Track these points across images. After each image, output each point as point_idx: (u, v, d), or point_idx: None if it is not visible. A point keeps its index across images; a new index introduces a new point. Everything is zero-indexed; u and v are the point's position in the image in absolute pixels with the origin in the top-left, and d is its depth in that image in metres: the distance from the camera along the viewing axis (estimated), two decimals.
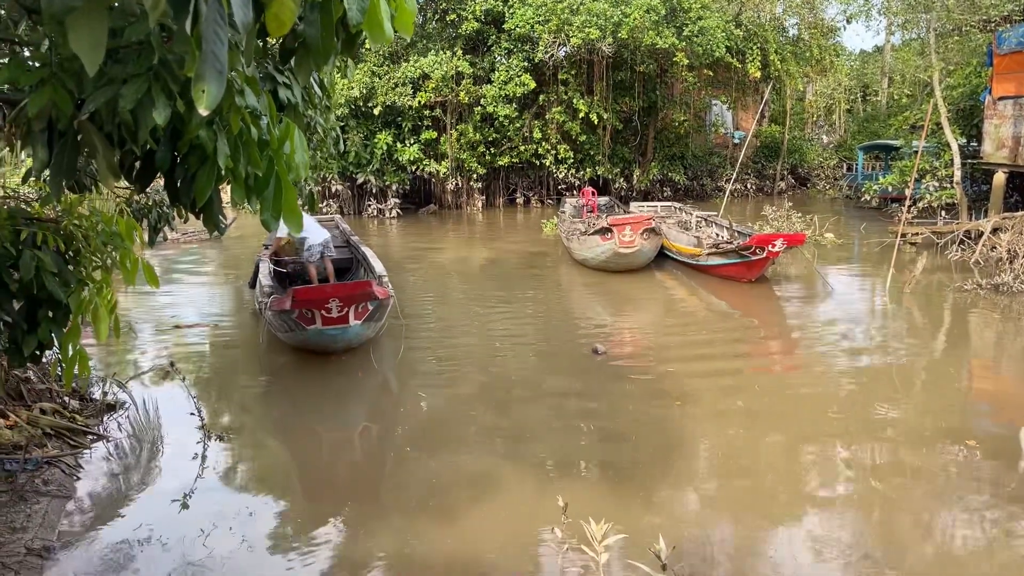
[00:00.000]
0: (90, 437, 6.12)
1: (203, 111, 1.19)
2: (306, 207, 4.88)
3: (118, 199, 4.70)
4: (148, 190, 4.37)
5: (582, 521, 4.01)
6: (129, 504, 5.20)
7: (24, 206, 3.06)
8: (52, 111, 1.97)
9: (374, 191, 24.20)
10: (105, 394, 6.91)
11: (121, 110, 1.73)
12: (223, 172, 2.16)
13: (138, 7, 1.16)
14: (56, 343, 2.68)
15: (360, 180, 23.84)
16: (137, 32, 1.50)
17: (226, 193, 3.53)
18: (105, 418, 6.55)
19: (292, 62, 2.33)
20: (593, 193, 18.57)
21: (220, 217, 2.41)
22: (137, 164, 2.44)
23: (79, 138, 2.04)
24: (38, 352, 2.65)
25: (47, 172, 1.98)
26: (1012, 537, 4.62)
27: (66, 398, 6.51)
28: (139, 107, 1.75)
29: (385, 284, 9.05)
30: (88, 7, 1.01)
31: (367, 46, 2.36)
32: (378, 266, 10.56)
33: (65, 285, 2.55)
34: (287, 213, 2.43)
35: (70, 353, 2.67)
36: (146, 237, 4.46)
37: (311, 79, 3.65)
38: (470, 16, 22.78)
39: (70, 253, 2.66)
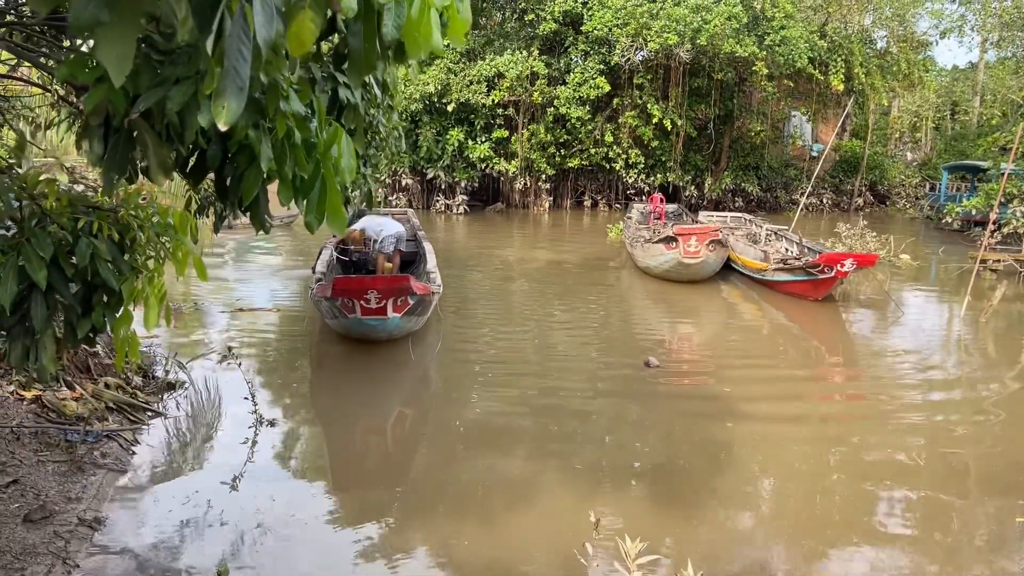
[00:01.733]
0: (149, 414, 6.33)
1: (223, 127, 1.21)
2: (365, 204, 4.96)
3: (188, 188, 4.85)
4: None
5: (617, 538, 3.96)
6: (180, 482, 5.36)
7: (90, 194, 3.18)
8: (108, 108, 2.03)
9: (443, 187, 24.44)
10: (167, 373, 7.14)
11: (168, 111, 1.77)
12: (268, 173, 2.20)
13: (173, 16, 1.18)
14: (109, 328, 2.77)
15: (430, 175, 24.11)
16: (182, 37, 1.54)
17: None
18: (165, 396, 6.77)
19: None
20: (661, 200, 18.36)
21: (266, 216, 2.45)
22: (192, 161, 2.51)
23: (133, 135, 2.10)
24: (91, 335, 2.75)
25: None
26: None
27: (130, 374, 6.75)
28: (185, 109, 1.80)
29: (430, 280, 9.23)
30: (116, 21, 1.04)
31: (426, 55, 2.37)
32: (431, 262, 10.74)
33: (119, 273, 2.64)
34: (331, 215, 2.45)
35: (121, 338, 2.77)
36: (209, 224, 4.59)
37: (371, 80, 3.69)
38: (548, 17, 22.78)
39: (127, 242, 2.75)
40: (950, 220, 20.90)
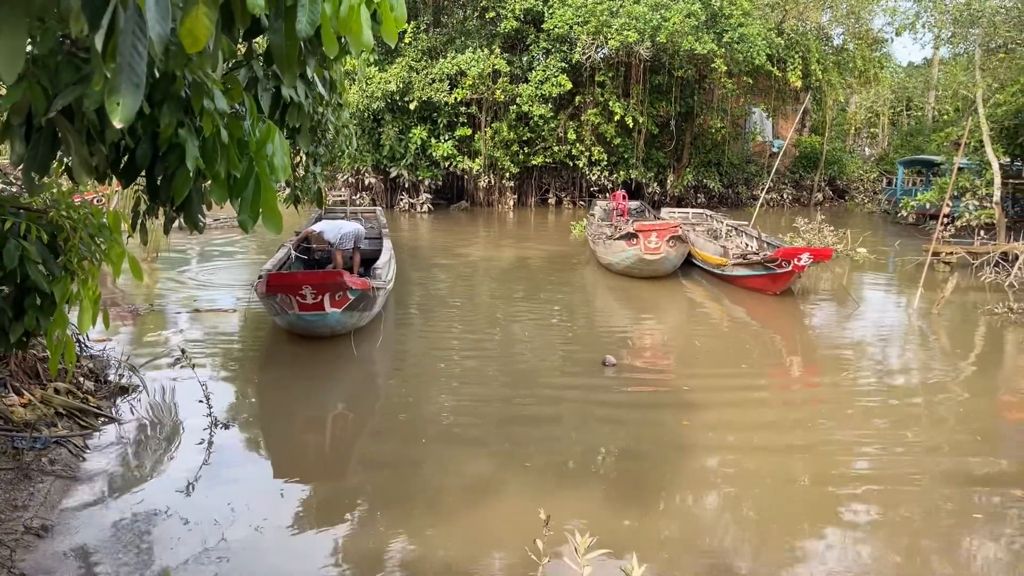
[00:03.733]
0: (101, 419, 6.22)
1: (118, 124, 1.19)
2: (315, 203, 4.92)
3: (136, 189, 4.77)
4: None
5: (567, 533, 3.98)
6: (133, 487, 5.27)
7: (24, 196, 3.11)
8: (31, 106, 1.99)
9: (407, 185, 24.36)
10: (120, 377, 7.02)
11: (86, 109, 1.74)
12: (197, 172, 2.17)
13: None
14: (43, 331, 2.72)
15: (393, 174, 24.02)
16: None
17: None
18: (118, 401, 6.66)
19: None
20: (624, 197, 18.47)
21: (200, 216, 2.42)
22: (124, 160, 2.47)
23: (57, 134, 2.06)
24: (24, 339, 2.69)
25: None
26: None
27: (80, 379, 6.63)
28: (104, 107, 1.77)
29: (376, 276, 9.35)
30: (4, 19, 1.01)
31: (359, 53, 2.35)
32: (382, 259, 10.80)
33: (50, 275, 2.59)
34: (266, 214, 2.43)
35: (55, 341, 2.72)
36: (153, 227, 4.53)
37: (318, 78, 3.67)
38: (509, 14, 22.80)
39: (60, 243, 2.70)
40: (906, 214, 21.31)
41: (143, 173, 2.44)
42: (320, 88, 3.75)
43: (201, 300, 10.95)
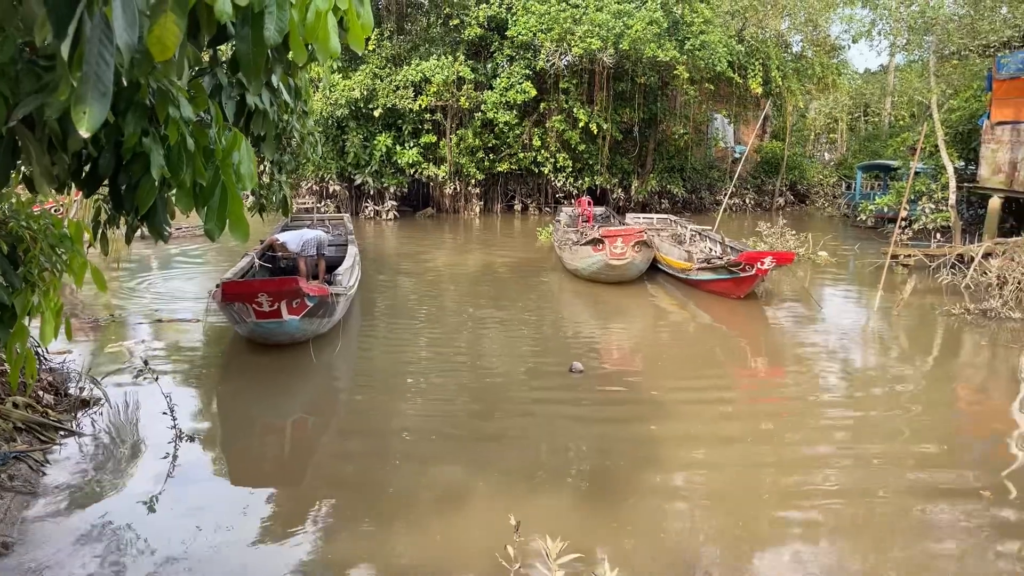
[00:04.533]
0: (61, 433, 6.10)
1: (84, 133, 1.18)
2: (280, 211, 4.88)
3: (98, 199, 4.69)
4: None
5: (539, 538, 3.99)
6: (95, 502, 5.17)
7: None
8: None
9: (372, 193, 24.24)
10: (81, 390, 6.88)
11: (47, 118, 1.71)
12: (162, 181, 2.15)
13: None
14: (2, 344, 2.66)
15: (358, 181, 23.89)
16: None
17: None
18: (79, 414, 6.53)
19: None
20: (589, 203, 18.58)
21: (164, 225, 2.39)
22: (86, 169, 2.43)
23: (17, 143, 2.02)
24: None
25: None
26: (993, 559, 4.60)
27: (40, 392, 6.49)
28: (67, 116, 1.74)
29: (335, 282, 9.36)
30: None
31: (326, 60, 2.35)
32: (343, 265, 10.77)
33: (10, 287, 2.54)
34: (233, 222, 2.41)
35: (16, 354, 2.66)
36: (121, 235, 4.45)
37: (283, 85, 3.64)
38: (473, 22, 22.83)
39: (20, 254, 2.65)
40: (865, 218, 21.72)
41: (106, 182, 2.41)
42: (285, 95, 3.72)
43: (163, 310, 10.79)
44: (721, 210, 18.37)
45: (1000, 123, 16.22)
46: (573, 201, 23.21)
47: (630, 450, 6.26)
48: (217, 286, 8.28)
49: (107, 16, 1.12)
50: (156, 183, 2.07)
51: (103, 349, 8.78)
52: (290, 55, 1.79)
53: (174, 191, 2.39)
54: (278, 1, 1.58)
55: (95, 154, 2.18)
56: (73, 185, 2.56)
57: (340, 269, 10.68)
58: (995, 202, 16.03)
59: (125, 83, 1.72)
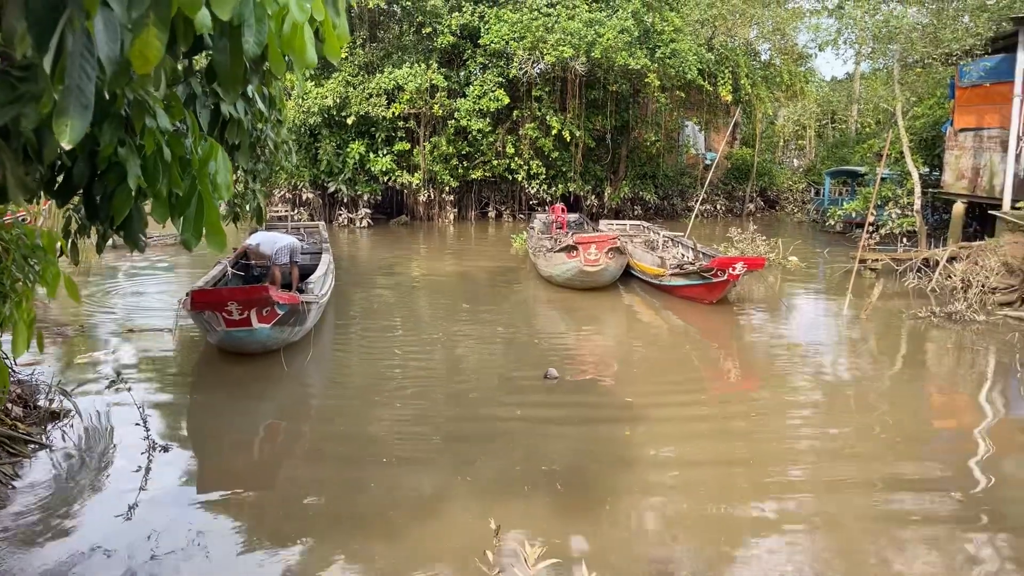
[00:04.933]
0: (32, 446, 6.01)
1: (66, 145, 1.19)
2: (255, 220, 4.87)
3: (68, 208, 4.65)
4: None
5: (516, 544, 4.02)
6: (67, 514, 5.11)
7: None
8: None
9: (345, 200, 24.16)
10: (50, 402, 6.79)
11: (24, 129, 1.72)
12: (140, 190, 2.15)
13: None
14: None
15: (331, 189, 23.79)
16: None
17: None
18: (49, 427, 6.44)
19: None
20: (563, 210, 18.66)
21: (140, 235, 2.39)
22: (60, 178, 2.43)
23: None
24: None
25: None
26: (960, 561, 4.69)
27: (8, 404, 6.39)
28: (44, 126, 1.74)
29: (307, 290, 9.33)
30: None
31: (303, 71, 2.36)
32: (317, 272, 10.74)
33: None
34: (210, 232, 2.42)
35: None
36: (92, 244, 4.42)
37: (257, 95, 3.65)
38: (446, 30, 22.86)
39: None
40: (833, 223, 22.03)
41: (80, 192, 2.40)
42: (260, 104, 3.73)
43: (134, 320, 10.67)
44: (693, 216, 18.56)
45: (963, 130, 16.57)
46: (547, 208, 23.29)
47: (606, 454, 6.30)
48: (187, 295, 8.22)
49: (89, 30, 1.13)
50: (132, 193, 2.08)
51: (73, 360, 8.66)
52: (268, 66, 1.81)
53: (150, 201, 2.39)
54: (257, 14, 1.60)
55: (69, 164, 2.18)
56: (43, 194, 2.55)
57: (312, 277, 10.63)
58: (959, 207, 16.35)
59: (107, 96, 1.73)
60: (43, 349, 2.73)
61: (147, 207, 2.54)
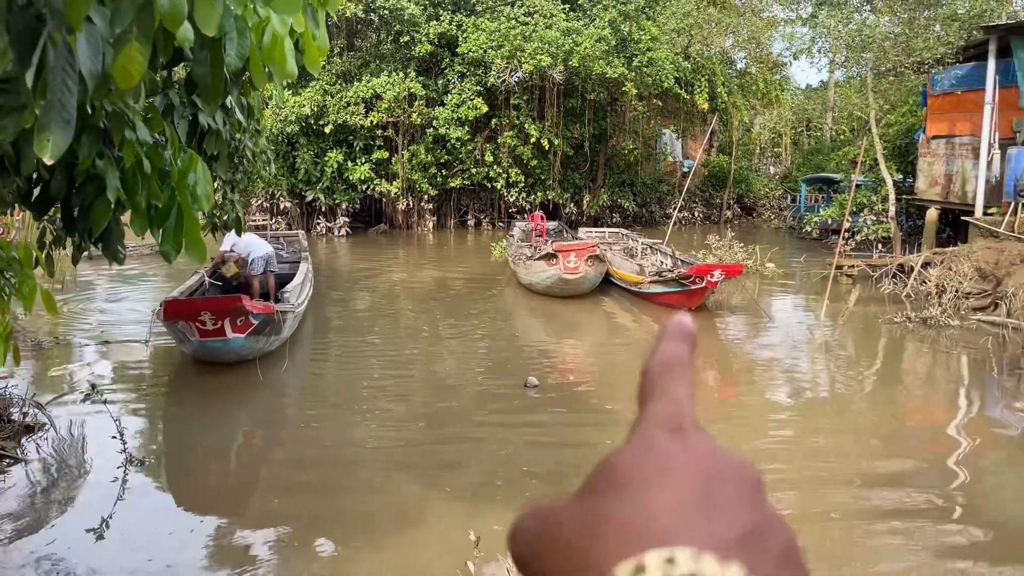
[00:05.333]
0: (5, 460, 5.92)
1: (48, 161, 1.18)
2: (234, 231, 4.84)
3: (42, 220, 4.59)
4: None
5: (499, 555, 4.01)
6: (42, 528, 5.04)
7: None
8: None
9: (323, 209, 24.07)
10: (24, 415, 6.69)
11: (1, 142, 1.70)
12: (119, 202, 2.13)
13: None
14: None
15: (309, 197, 23.69)
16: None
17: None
18: (23, 440, 6.34)
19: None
20: (542, 217, 18.71)
21: (119, 247, 2.37)
22: (36, 191, 2.40)
23: None
24: None
25: None
26: (937, 557, 4.74)
27: None
28: (22, 139, 1.73)
29: (283, 299, 9.28)
30: None
31: (283, 82, 2.36)
32: (294, 281, 10.69)
33: None
34: (190, 244, 2.40)
35: None
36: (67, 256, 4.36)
37: (235, 104, 3.63)
38: (423, 38, 22.88)
39: None
40: (809, 229, 22.25)
41: (57, 204, 2.38)
42: (238, 114, 3.71)
43: (110, 331, 10.55)
44: (671, 223, 18.66)
45: (935, 137, 16.82)
46: (526, 216, 23.35)
47: (587, 464, 6.29)
48: (160, 305, 8.16)
49: (71, 45, 1.12)
50: (112, 205, 2.06)
51: (47, 372, 8.55)
52: (247, 77, 1.80)
53: (128, 212, 2.37)
54: (238, 27, 1.60)
55: (46, 176, 2.16)
56: (16, 206, 2.52)
57: (289, 286, 10.56)
58: (932, 213, 16.58)
59: (89, 109, 1.72)
60: (19, 363, 2.69)
61: (125, 219, 2.52)
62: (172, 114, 3.08)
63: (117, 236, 2.33)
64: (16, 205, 2.50)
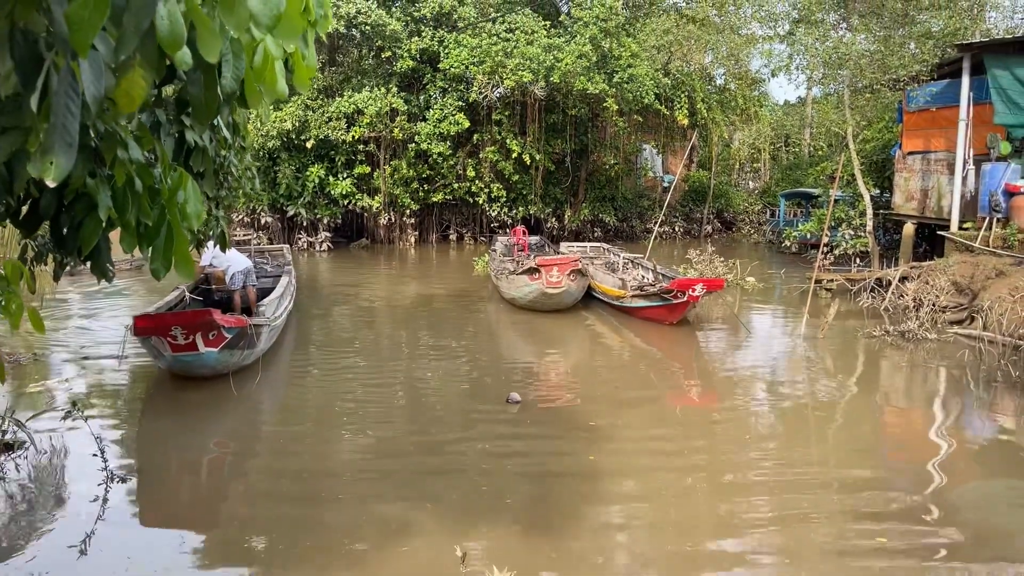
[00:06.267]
0: None
1: (51, 183, 1.20)
2: (217, 246, 4.84)
3: (22, 235, 4.57)
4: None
5: (485, 570, 4.02)
6: (23, 547, 4.97)
7: None
8: None
9: (305, 224, 24.01)
10: (3, 433, 6.60)
11: None
12: (109, 220, 2.14)
13: None
14: None
15: (291, 212, 23.64)
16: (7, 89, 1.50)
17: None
18: (2, 459, 6.26)
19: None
20: (524, 232, 18.78)
21: (108, 265, 2.37)
22: (24, 208, 2.40)
23: None
24: None
25: None
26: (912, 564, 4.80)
27: None
28: (15, 159, 1.74)
29: (258, 313, 9.29)
30: None
31: (272, 101, 2.38)
32: (272, 295, 10.70)
33: None
34: (179, 262, 2.41)
35: None
36: (48, 272, 4.34)
37: (220, 122, 3.65)
38: (405, 54, 22.97)
39: None
40: (789, 244, 22.49)
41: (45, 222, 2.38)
42: (224, 132, 3.73)
43: (89, 346, 10.45)
44: (652, 238, 18.81)
45: (911, 153, 17.08)
46: (508, 231, 23.41)
47: (570, 479, 6.32)
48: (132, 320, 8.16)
49: (74, 70, 1.15)
50: (103, 224, 2.07)
51: (25, 388, 8.45)
52: (247, 100, 1.82)
53: (115, 230, 2.37)
54: (234, 49, 1.62)
55: (36, 194, 2.17)
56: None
57: (266, 300, 10.54)
58: (909, 228, 16.81)
59: (92, 133, 1.73)
60: (3, 379, 2.68)
61: (112, 235, 2.53)
62: (159, 131, 3.10)
63: (107, 254, 2.34)
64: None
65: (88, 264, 2.40)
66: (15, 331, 2.38)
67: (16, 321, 2.60)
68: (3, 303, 2.61)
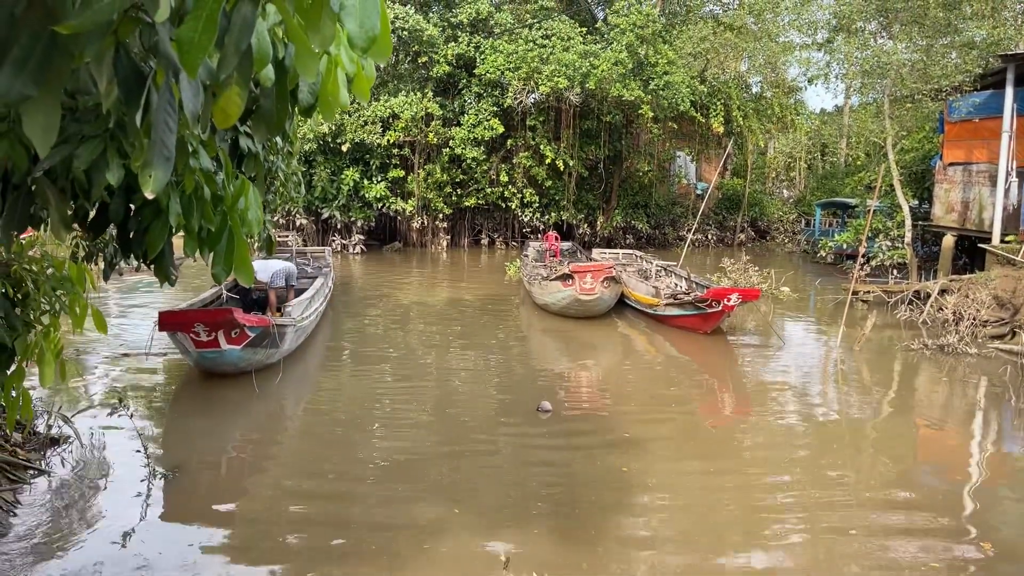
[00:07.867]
0: (31, 472, 5.99)
1: (149, 195, 1.25)
2: (263, 251, 4.92)
3: (75, 236, 4.69)
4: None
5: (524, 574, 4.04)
6: (68, 540, 5.08)
7: None
8: (8, 164, 2.01)
9: (339, 226, 24.25)
10: (49, 428, 6.76)
11: (75, 169, 1.77)
12: (175, 226, 2.21)
13: (92, 86, 1.21)
14: None
15: (325, 215, 23.88)
16: (95, 99, 1.56)
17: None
18: (48, 453, 6.42)
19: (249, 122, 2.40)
20: (556, 238, 18.79)
21: (172, 268, 2.44)
22: (91, 213, 2.48)
23: (33, 190, 2.07)
24: None
25: None
26: None
27: (8, 431, 6.37)
28: (93, 167, 1.80)
29: (284, 313, 9.64)
30: (42, 95, 1.07)
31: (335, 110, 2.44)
32: (300, 297, 10.84)
33: (11, 328, 2.55)
34: (239, 266, 2.47)
35: (13, 395, 2.67)
36: (100, 271, 4.46)
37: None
38: (442, 59, 23.13)
39: (18, 296, 2.67)
40: (824, 254, 22.25)
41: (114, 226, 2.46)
42: (276, 138, 3.80)
43: (126, 342, 10.65)
44: (685, 246, 18.71)
45: (952, 164, 16.84)
46: (540, 236, 23.46)
47: (602, 489, 6.31)
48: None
49: (172, 87, 1.20)
50: (170, 229, 2.13)
51: (67, 384, 8.63)
52: (321, 112, 1.87)
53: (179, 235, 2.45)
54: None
55: (107, 200, 2.24)
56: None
57: (293, 301, 10.66)
58: (948, 240, 16.56)
59: (190, 147, 1.80)
60: (66, 379, 2.76)
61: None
62: (213, 138, 3.17)
63: (171, 258, 2.41)
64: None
65: (152, 267, 2.47)
66: (79, 331, 2.46)
67: (81, 321, 2.69)
68: (68, 304, 2.70)
